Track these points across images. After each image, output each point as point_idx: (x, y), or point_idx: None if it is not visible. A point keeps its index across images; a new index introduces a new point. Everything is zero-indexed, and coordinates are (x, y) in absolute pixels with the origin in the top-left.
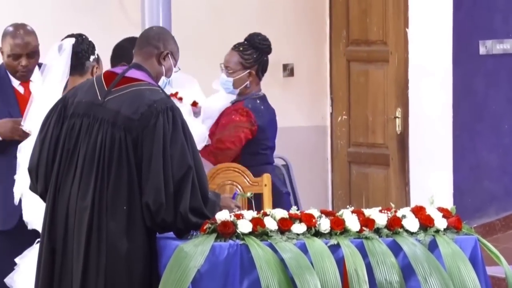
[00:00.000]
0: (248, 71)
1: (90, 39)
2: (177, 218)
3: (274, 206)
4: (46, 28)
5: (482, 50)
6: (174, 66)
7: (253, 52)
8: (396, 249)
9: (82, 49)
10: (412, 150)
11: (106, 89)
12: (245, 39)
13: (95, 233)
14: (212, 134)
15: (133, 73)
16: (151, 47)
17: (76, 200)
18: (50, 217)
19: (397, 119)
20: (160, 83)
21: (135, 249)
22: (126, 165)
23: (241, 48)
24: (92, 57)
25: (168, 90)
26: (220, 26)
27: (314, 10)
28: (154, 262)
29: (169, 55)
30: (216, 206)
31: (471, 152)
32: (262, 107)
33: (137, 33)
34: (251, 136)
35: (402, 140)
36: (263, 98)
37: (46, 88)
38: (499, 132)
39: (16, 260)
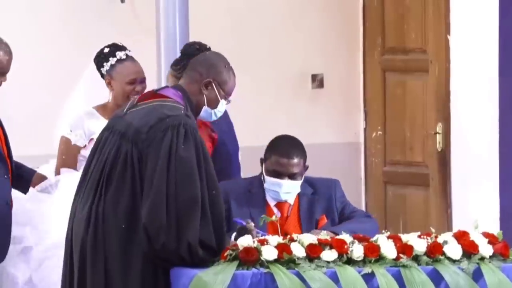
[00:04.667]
0: None
1: (106, 50)
2: (182, 246)
3: None
4: (58, 36)
5: None
6: (222, 98)
7: (183, 59)
8: (437, 278)
9: (96, 62)
10: (455, 169)
11: (134, 103)
12: None
13: (91, 252)
14: None
15: (166, 91)
16: (195, 73)
17: (76, 213)
18: (68, 231)
19: (437, 135)
20: (203, 113)
21: (133, 275)
22: (130, 179)
23: (172, 65)
24: (102, 69)
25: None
26: (242, 33)
27: (346, 15)
28: None
29: (213, 84)
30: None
31: None
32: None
33: (151, 40)
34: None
35: (444, 158)
36: None
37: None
38: None
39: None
